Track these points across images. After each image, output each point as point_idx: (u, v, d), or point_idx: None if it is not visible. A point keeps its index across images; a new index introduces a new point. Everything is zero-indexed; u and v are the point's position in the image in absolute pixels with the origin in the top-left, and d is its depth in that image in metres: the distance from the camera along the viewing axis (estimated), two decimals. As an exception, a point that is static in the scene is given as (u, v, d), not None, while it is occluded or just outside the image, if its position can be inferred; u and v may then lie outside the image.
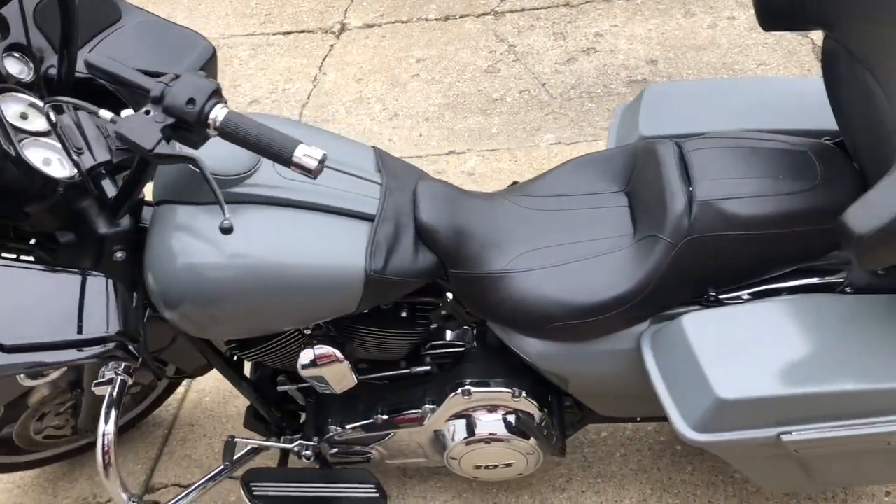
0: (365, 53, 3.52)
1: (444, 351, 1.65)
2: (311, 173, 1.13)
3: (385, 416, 1.65)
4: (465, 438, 1.61)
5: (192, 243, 1.32)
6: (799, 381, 1.26)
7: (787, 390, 1.26)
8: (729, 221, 1.34)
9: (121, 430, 2.05)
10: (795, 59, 3.03)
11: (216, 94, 1.15)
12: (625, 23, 3.43)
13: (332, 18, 3.80)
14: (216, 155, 1.31)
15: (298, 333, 1.55)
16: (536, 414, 1.62)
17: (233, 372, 1.67)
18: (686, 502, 1.78)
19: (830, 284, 1.41)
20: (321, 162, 1.13)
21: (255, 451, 1.79)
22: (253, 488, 1.68)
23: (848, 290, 1.39)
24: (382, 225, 1.40)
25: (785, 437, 1.27)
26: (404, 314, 1.57)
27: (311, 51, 3.60)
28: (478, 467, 1.68)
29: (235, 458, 1.77)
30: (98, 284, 1.26)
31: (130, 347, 1.27)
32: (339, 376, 1.55)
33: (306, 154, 1.12)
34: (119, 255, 1.36)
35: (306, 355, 1.52)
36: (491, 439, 1.60)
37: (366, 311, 1.52)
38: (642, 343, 1.41)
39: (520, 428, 1.60)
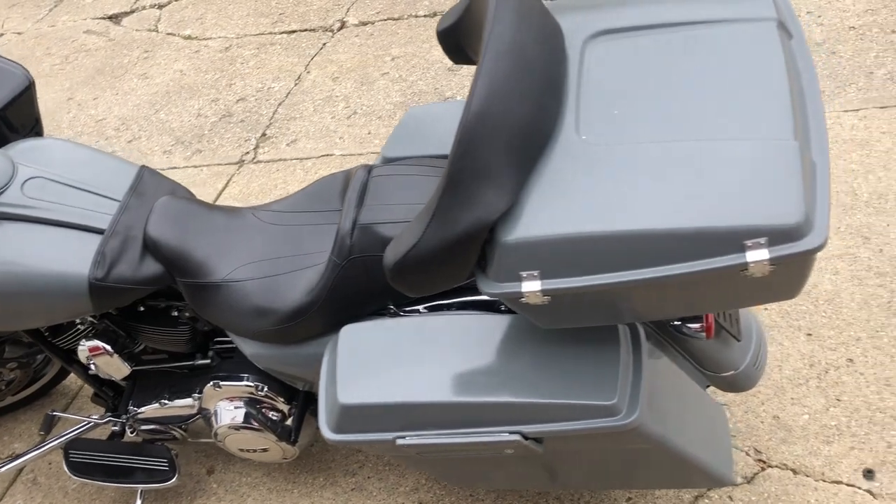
0: (350, 51, 3.72)
1: (221, 347, 1.85)
2: None
3: (166, 401, 1.88)
4: (221, 424, 1.81)
5: None
6: (415, 390, 1.37)
7: (399, 399, 1.37)
8: (383, 244, 1.45)
9: (22, 403, 2.40)
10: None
11: None
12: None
13: (334, 16, 4.02)
14: None
15: (87, 325, 1.81)
16: (284, 408, 1.79)
17: (63, 354, 1.95)
18: (450, 492, 1.90)
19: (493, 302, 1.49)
20: None
21: (95, 425, 2.07)
22: (70, 455, 1.96)
23: (502, 308, 1.47)
24: (111, 238, 1.62)
25: (399, 441, 1.39)
26: (175, 313, 1.79)
27: (305, 49, 3.84)
28: (241, 450, 1.88)
29: (76, 431, 2.06)
30: None
31: None
32: (109, 366, 1.79)
33: None
34: None
35: (81, 346, 1.77)
36: (239, 427, 1.80)
37: (138, 308, 1.76)
38: (326, 349, 1.56)
39: (258, 420, 1.78)
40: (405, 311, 1.54)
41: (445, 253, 1.16)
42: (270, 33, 4.05)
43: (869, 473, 1.70)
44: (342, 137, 3.23)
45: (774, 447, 1.80)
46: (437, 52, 3.52)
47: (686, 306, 1.25)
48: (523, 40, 1.20)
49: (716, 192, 1.10)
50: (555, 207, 1.14)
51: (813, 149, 1.15)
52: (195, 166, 3.29)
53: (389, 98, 3.35)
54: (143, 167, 1.79)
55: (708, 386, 1.66)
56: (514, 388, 1.32)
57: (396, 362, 1.41)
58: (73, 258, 1.60)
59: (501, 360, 1.37)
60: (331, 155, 3.15)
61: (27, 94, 1.87)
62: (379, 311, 1.56)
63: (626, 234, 1.10)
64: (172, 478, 1.92)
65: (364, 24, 3.90)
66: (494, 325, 1.42)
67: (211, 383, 1.78)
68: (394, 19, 3.87)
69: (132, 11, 4.67)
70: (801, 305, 2.05)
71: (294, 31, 4.01)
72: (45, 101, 4.01)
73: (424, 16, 3.82)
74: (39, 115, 1.94)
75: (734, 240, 1.07)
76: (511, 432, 1.33)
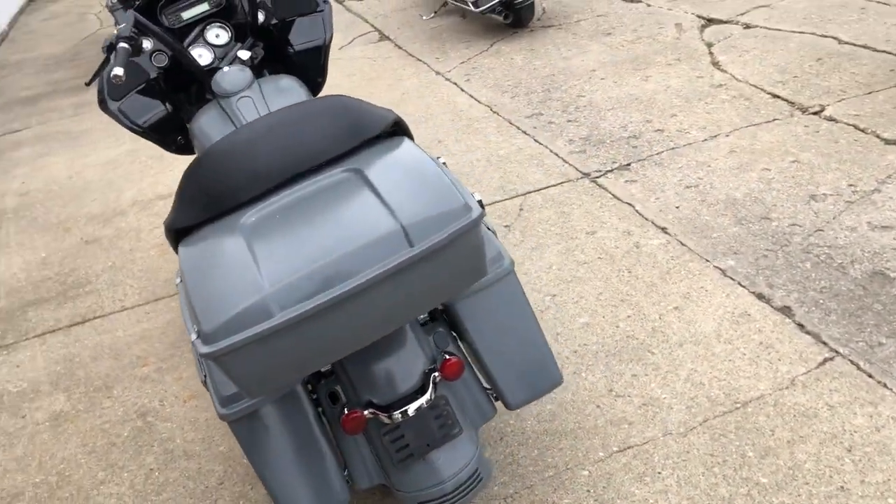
0: (779, 137, 3.63)
1: None
2: None
3: None
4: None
5: None
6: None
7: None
8: None
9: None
10: None
11: None
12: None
13: (823, 101, 3.86)
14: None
15: None
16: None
17: None
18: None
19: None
20: None
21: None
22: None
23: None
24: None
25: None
26: None
27: (759, 116, 3.85)
28: None
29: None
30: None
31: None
32: None
33: None
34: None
35: None
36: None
37: None
38: None
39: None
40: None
41: (167, 232, 1.78)
42: (761, 88, 4.09)
43: None
44: (663, 202, 3.37)
45: None
46: (830, 177, 3.26)
47: None
48: (258, 144, 1.69)
49: (211, 287, 1.50)
50: (195, 240, 1.66)
51: (284, 309, 1.42)
52: (552, 156, 3.82)
53: (736, 191, 3.30)
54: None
55: (377, 483, 1.86)
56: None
57: None
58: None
59: None
60: (630, 206, 3.35)
61: (317, 50, 2.78)
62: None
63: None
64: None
65: (830, 119, 3.69)
66: None
67: None
68: (857, 129, 3.57)
69: (726, 21, 5.05)
70: None
71: (778, 97, 3.98)
72: (584, 63, 4.84)
73: (885, 140, 3.44)
74: (325, 72, 2.81)
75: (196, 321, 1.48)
76: None
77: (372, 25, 6.39)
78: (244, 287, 1.46)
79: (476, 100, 4.62)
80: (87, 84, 2.43)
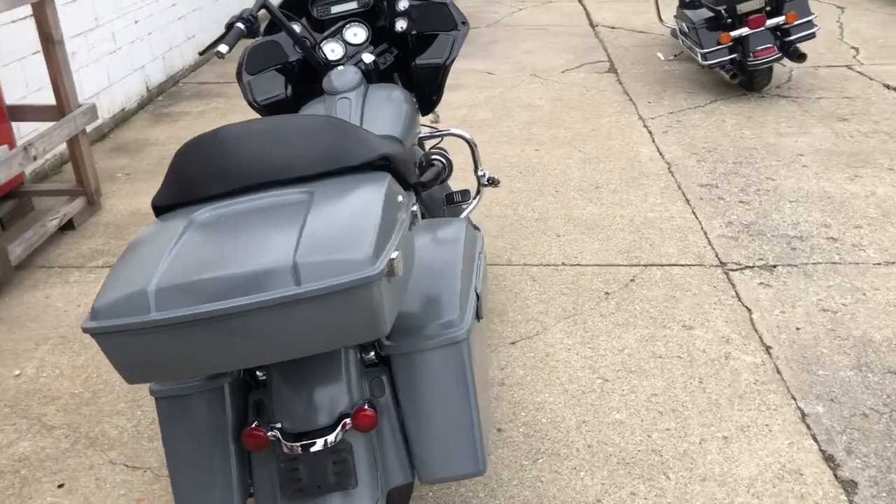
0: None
1: None
2: None
3: None
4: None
5: None
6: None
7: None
8: None
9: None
10: None
11: None
12: None
13: None
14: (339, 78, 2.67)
15: None
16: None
17: None
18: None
19: None
20: None
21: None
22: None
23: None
24: None
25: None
26: None
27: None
28: None
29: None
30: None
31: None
32: None
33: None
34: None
35: None
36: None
37: None
38: None
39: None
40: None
41: (152, 208, 1.84)
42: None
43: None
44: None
45: None
46: None
47: None
48: (239, 145, 1.70)
49: (123, 268, 1.53)
50: (159, 220, 1.71)
51: (161, 309, 1.42)
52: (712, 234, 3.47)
53: (877, 332, 2.81)
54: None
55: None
56: None
57: None
58: None
59: None
60: (748, 312, 2.98)
61: (435, 69, 2.72)
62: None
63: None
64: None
65: None
66: None
67: None
68: None
69: None
70: None
71: None
72: (796, 144, 4.38)
73: None
74: (440, 91, 2.74)
75: None
76: None
77: (608, 55, 6.21)
78: (137, 277, 1.48)
79: (660, 154, 4.34)
80: (201, 54, 2.58)
